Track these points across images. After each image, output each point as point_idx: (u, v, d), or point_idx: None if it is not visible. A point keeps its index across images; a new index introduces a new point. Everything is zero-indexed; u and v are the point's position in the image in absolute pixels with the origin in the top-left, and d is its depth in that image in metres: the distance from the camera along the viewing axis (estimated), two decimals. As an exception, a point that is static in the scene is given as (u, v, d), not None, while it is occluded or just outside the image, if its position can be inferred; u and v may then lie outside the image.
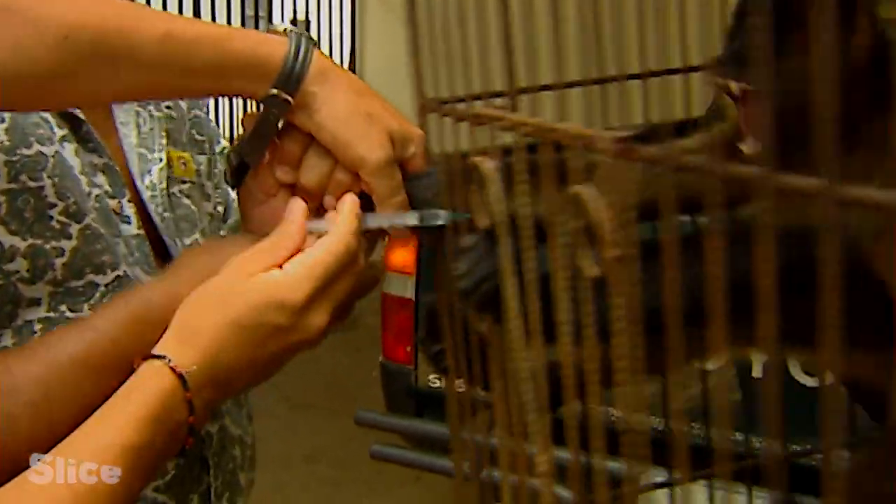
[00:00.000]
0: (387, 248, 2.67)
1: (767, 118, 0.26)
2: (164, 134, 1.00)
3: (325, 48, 6.90)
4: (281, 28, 0.90)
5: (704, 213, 0.38)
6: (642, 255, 0.45)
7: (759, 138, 0.79)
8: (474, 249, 0.70)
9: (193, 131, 1.06)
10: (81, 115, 0.90)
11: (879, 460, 0.95)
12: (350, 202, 0.81)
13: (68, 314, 0.83)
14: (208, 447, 0.94)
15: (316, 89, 0.80)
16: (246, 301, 0.74)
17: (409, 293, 2.61)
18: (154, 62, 0.76)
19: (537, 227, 0.54)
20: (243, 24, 6.67)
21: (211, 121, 1.13)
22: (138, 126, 0.97)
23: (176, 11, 5.63)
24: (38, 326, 0.82)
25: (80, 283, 0.84)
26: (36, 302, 0.82)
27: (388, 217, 0.81)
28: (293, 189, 0.85)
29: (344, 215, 0.80)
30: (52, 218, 0.83)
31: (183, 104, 1.06)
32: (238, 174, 0.86)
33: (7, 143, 0.83)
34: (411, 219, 0.81)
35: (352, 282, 0.80)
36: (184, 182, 1.00)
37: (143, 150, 0.97)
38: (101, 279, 0.85)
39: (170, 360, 0.71)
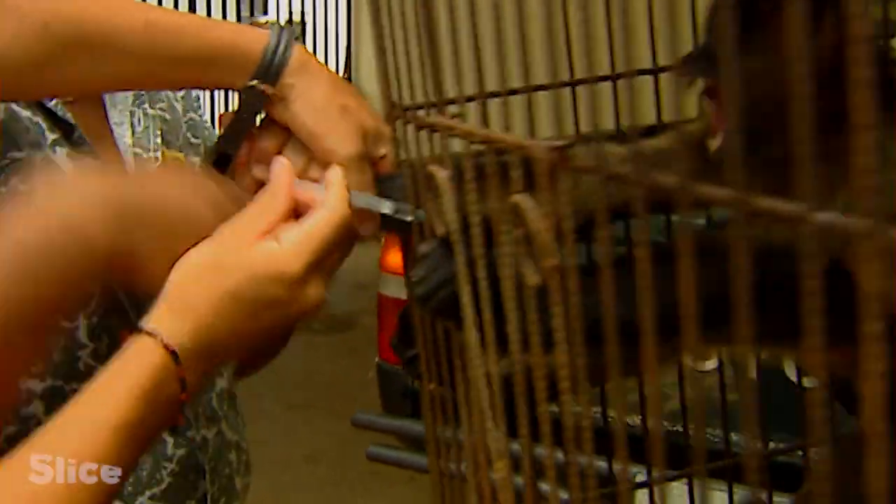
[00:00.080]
0: (382, 249, 2.67)
1: (731, 116, 0.26)
2: (158, 133, 1.01)
3: (320, 50, 6.90)
4: (262, 21, 0.91)
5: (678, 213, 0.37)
6: (619, 261, 0.45)
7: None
8: (431, 256, 0.70)
9: (189, 134, 1.06)
10: (72, 120, 0.90)
11: (850, 455, 0.95)
12: (338, 173, 0.80)
13: (64, 324, 0.83)
14: (205, 453, 0.94)
15: (294, 81, 0.80)
16: (243, 272, 0.72)
17: (406, 294, 2.60)
18: (137, 51, 0.76)
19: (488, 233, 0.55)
20: (239, 25, 6.64)
21: (207, 123, 1.13)
22: (133, 126, 0.98)
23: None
24: None
25: None
26: None
27: (366, 198, 0.81)
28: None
29: (335, 185, 0.79)
30: None
31: (178, 107, 1.06)
32: (217, 170, 0.86)
33: None
34: (386, 206, 0.81)
35: (344, 252, 0.79)
36: None
37: (138, 150, 0.97)
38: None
39: (162, 337, 0.69)
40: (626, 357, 0.43)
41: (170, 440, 0.89)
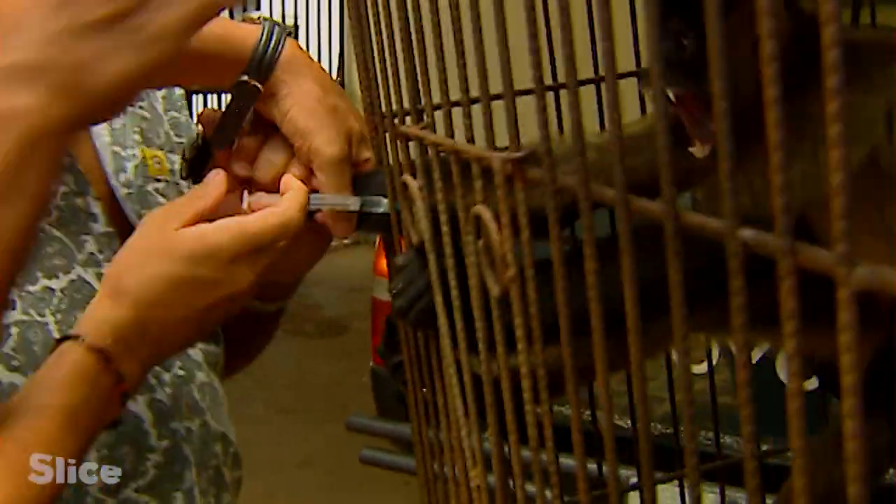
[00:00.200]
0: (376, 252, 2.68)
1: (722, 120, 0.26)
2: (137, 131, 1.00)
3: (313, 54, 6.87)
4: (255, 16, 0.91)
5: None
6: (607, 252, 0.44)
7: (707, 140, 0.80)
8: (407, 268, 0.70)
9: (172, 133, 1.06)
10: None
11: (831, 446, 0.96)
12: (295, 180, 0.81)
13: (38, 318, 0.83)
14: (189, 444, 0.94)
15: (285, 77, 0.80)
16: (174, 254, 0.73)
17: (397, 299, 2.61)
18: None
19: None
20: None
21: (191, 123, 1.13)
22: (110, 124, 0.98)
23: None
24: (14, 330, 0.82)
25: (36, 287, 0.84)
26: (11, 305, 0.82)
27: (331, 198, 0.81)
28: (249, 184, 0.85)
29: (293, 191, 0.80)
30: None
31: (158, 106, 1.06)
32: (195, 168, 0.86)
33: None
34: (353, 203, 0.81)
35: (279, 254, 0.79)
36: (158, 180, 1.00)
37: (116, 148, 0.96)
38: (55, 283, 0.85)
39: (84, 340, 0.71)
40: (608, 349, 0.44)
41: (153, 432, 0.89)
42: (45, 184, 0.66)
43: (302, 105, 0.81)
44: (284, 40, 0.81)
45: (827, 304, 0.29)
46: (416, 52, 0.62)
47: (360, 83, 0.82)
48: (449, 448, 0.72)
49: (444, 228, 0.55)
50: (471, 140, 0.52)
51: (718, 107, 0.26)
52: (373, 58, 0.75)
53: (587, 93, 0.90)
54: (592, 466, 0.81)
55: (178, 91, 1.11)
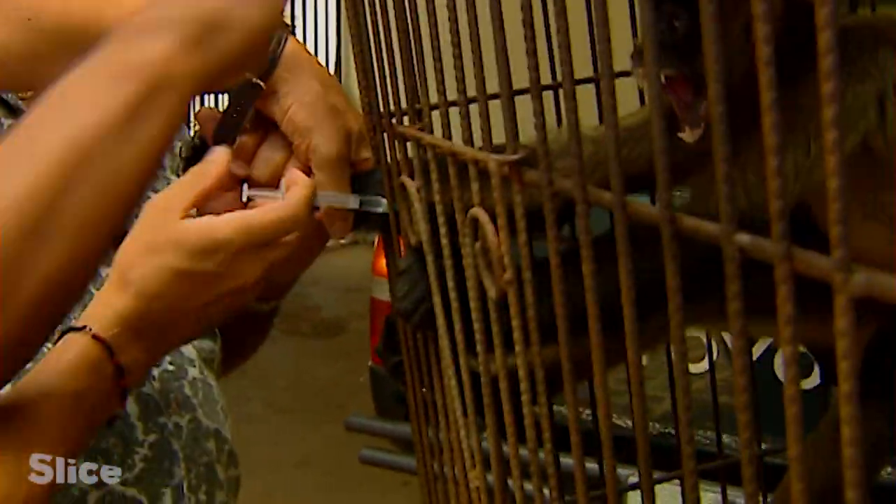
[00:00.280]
0: (375, 253, 2.68)
1: (718, 104, 0.25)
2: None
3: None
4: None
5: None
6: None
7: (696, 125, 0.80)
8: (410, 271, 0.70)
9: None
10: (24, 107, 0.89)
11: (826, 439, 0.96)
12: (301, 175, 0.80)
13: None
14: (178, 440, 0.93)
15: (286, 75, 0.80)
16: (179, 247, 0.73)
17: (396, 299, 2.61)
18: None
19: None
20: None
21: (183, 127, 1.13)
22: None
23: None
24: None
25: None
26: None
27: (330, 196, 0.81)
28: (247, 182, 0.85)
29: (299, 186, 0.79)
30: None
31: None
32: (193, 167, 0.86)
33: None
34: (353, 202, 0.81)
35: (288, 250, 0.79)
36: None
37: None
38: None
39: (90, 329, 0.71)
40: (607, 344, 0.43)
41: (139, 425, 0.88)
42: (159, 138, 0.66)
43: (302, 104, 0.80)
44: (287, 37, 0.80)
45: (825, 290, 0.29)
46: (413, 52, 0.62)
47: (359, 83, 0.82)
48: (448, 448, 0.72)
49: (443, 230, 0.55)
50: (469, 140, 0.52)
51: (714, 111, 0.26)
52: (371, 57, 0.75)
53: (586, 90, 0.90)
54: (594, 466, 0.81)
55: None
